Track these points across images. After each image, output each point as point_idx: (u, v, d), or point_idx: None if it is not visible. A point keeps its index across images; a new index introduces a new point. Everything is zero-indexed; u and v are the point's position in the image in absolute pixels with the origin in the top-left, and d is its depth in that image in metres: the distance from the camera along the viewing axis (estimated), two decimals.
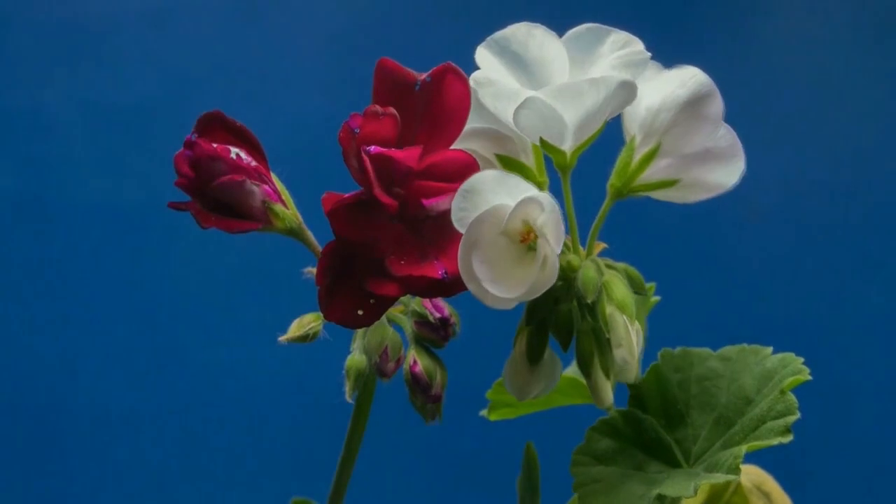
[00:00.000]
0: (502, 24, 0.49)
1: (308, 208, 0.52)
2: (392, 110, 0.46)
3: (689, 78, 0.49)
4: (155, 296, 1.29)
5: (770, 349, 0.54)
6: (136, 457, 1.27)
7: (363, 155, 0.45)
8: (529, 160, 0.50)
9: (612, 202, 0.51)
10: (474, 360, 0.64)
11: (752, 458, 0.55)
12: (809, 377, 0.51)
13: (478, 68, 0.48)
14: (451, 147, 0.48)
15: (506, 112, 0.47)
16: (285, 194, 0.51)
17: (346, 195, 0.46)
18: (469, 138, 0.50)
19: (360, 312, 0.47)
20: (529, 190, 0.45)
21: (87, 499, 1.27)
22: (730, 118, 0.49)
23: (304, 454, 1.24)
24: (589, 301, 0.48)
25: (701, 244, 1.30)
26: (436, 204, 0.46)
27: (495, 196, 0.45)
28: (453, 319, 0.52)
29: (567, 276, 0.48)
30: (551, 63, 0.49)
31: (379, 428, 0.63)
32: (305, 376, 1.23)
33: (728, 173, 0.50)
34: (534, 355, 0.50)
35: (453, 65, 0.48)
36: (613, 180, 0.50)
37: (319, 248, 0.50)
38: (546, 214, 0.45)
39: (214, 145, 0.49)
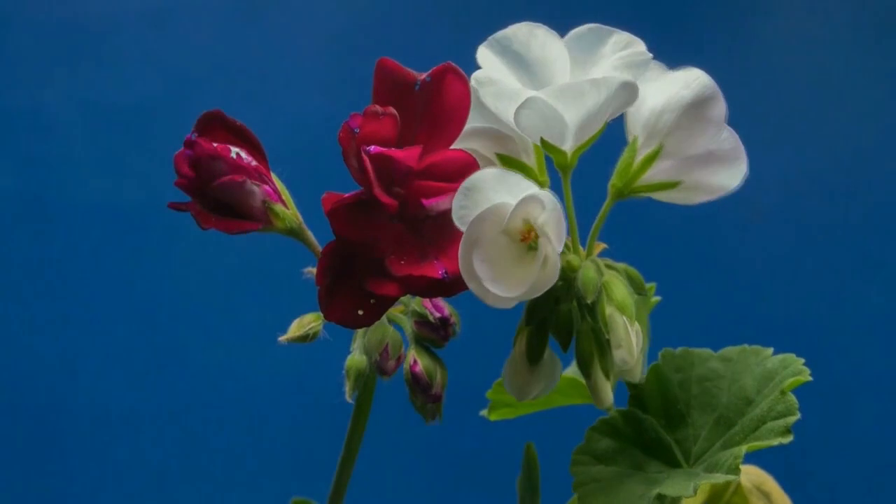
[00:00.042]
0: (502, 25, 0.49)
1: (308, 208, 0.52)
2: (392, 110, 0.46)
3: (692, 80, 0.49)
4: (155, 296, 1.29)
5: (771, 350, 0.54)
6: (136, 457, 1.27)
7: (363, 155, 0.45)
8: (531, 160, 0.50)
9: (613, 202, 0.51)
10: (474, 360, 0.64)
11: (753, 458, 0.55)
12: (810, 378, 0.51)
13: (478, 68, 0.48)
14: (452, 147, 0.48)
15: (507, 112, 0.47)
16: (285, 194, 0.51)
17: (346, 195, 0.46)
18: (470, 137, 0.50)
19: (360, 312, 0.47)
20: (530, 188, 0.45)
21: (87, 499, 1.27)
22: (730, 118, 0.49)
23: (304, 454, 1.24)
24: (589, 302, 0.48)
25: (701, 244, 1.29)
26: (436, 204, 0.46)
27: (496, 194, 0.45)
28: (453, 319, 0.52)
29: (567, 276, 0.48)
30: (553, 63, 0.49)
31: (379, 428, 0.63)
32: (305, 376, 1.23)
33: (730, 176, 0.50)
34: (534, 355, 0.50)
35: (453, 65, 0.48)
36: (615, 181, 0.50)
37: (319, 248, 0.50)
38: (547, 213, 0.45)
39: (215, 144, 0.49)
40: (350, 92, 1.11)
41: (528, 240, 0.46)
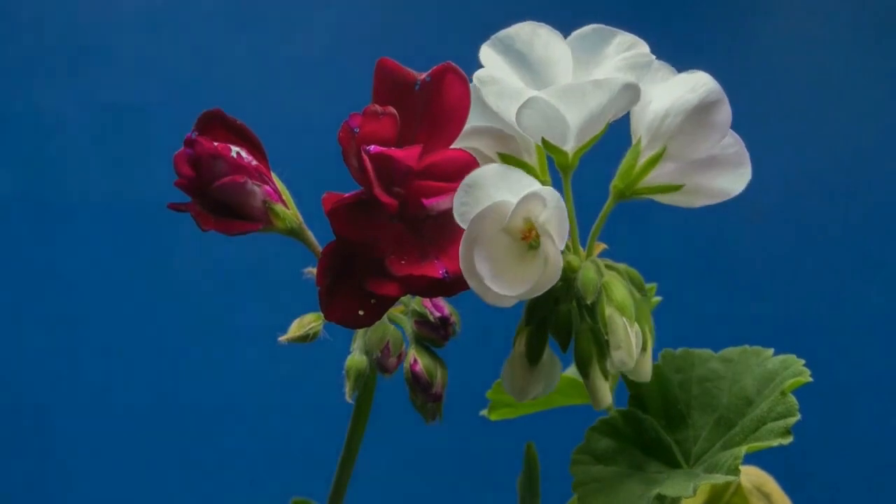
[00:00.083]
0: (502, 25, 0.49)
1: (308, 208, 0.52)
2: (392, 110, 0.46)
3: (699, 84, 0.49)
4: (155, 295, 1.29)
5: (771, 351, 0.54)
6: (136, 456, 1.27)
7: (363, 154, 0.45)
8: (532, 159, 0.50)
9: (614, 203, 0.50)
10: (475, 360, 0.64)
11: (753, 458, 0.55)
12: (810, 379, 0.51)
13: (480, 66, 0.48)
14: (452, 146, 0.47)
15: (509, 111, 0.47)
16: (286, 194, 0.51)
17: (347, 195, 0.46)
18: (472, 136, 0.50)
19: (360, 312, 0.46)
20: (532, 185, 0.45)
21: (87, 498, 1.27)
22: (731, 119, 0.49)
23: (304, 454, 1.23)
24: (588, 302, 0.47)
25: (702, 244, 1.29)
26: (436, 203, 0.46)
27: (497, 191, 0.45)
28: (453, 318, 0.52)
29: (567, 276, 0.48)
30: (556, 63, 0.49)
31: (379, 428, 0.62)
32: (305, 376, 1.22)
33: (733, 181, 0.50)
34: (533, 356, 0.50)
35: (453, 64, 0.48)
36: (617, 182, 0.50)
37: (320, 249, 0.50)
38: (549, 210, 0.44)
39: (215, 143, 0.49)
40: (350, 92, 1.11)
41: (529, 238, 0.45)
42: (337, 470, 0.58)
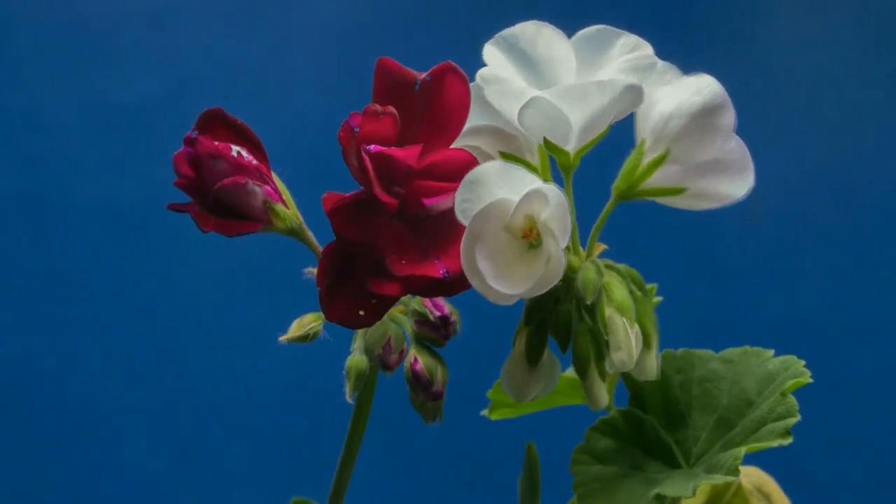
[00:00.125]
0: (503, 25, 0.49)
1: (308, 208, 0.52)
2: (392, 109, 0.46)
3: (704, 87, 0.48)
4: (155, 296, 1.29)
5: (772, 352, 0.54)
6: (136, 457, 1.27)
7: (363, 154, 0.45)
8: (534, 159, 0.50)
9: (615, 204, 0.50)
10: (475, 360, 0.63)
11: (753, 459, 0.55)
12: (811, 380, 0.51)
13: (481, 66, 0.48)
14: (454, 144, 0.47)
15: (511, 110, 0.47)
16: (286, 194, 0.51)
17: (347, 195, 0.46)
18: (473, 135, 0.50)
19: (361, 313, 0.46)
20: (534, 182, 0.45)
21: (86, 499, 1.27)
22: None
23: (304, 454, 1.23)
24: (588, 303, 0.47)
25: (702, 245, 1.29)
26: (436, 203, 0.46)
27: (499, 189, 0.44)
28: (453, 318, 0.52)
29: (567, 276, 0.48)
30: (559, 63, 0.49)
31: (379, 428, 0.62)
32: (305, 376, 1.22)
33: (736, 185, 0.50)
34: (533, 356, 0.50)
35: (453, 64, 0.48)
36: (619, 183, 0.50)
37: (320, 249, 0.50)
38: (552, 207, 0.44)
39: (216, 143, 0.49)
40: (350, 92, 1.11)
41: (530, 237, 0.45)
42: (337, 470, 0.58)
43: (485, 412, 0.64)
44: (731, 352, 0.56)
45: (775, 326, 1.26)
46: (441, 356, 0.53)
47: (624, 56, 0.48)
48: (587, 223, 0.50)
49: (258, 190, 0.49)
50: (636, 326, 0.48)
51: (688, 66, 0.50)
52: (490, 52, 0.49)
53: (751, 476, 0.61)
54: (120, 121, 1.30)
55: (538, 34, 0.49)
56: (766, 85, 1.32)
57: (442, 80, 0.47)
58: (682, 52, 0.52)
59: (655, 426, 0.54)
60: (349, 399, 0.52)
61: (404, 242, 0.46)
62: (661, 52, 0.49)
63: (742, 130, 0.49)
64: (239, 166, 0.49)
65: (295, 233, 0.51)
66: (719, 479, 0.49)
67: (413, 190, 0.46)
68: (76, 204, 1.29)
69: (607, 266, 0.49)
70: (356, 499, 0.61)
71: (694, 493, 0.49)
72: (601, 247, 0.51)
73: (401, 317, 0.53)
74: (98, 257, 1.29)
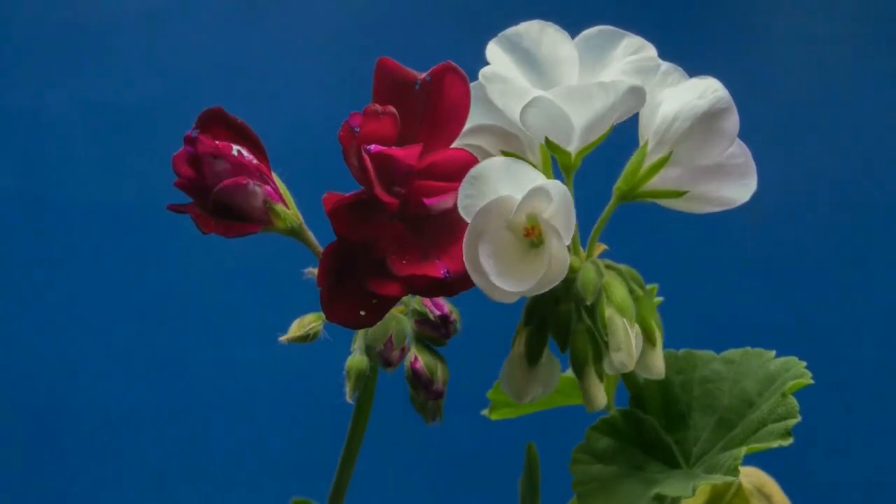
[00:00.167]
0: (503, 25, 0.49)
1: (308, 208, 0.52)
2: (392, 109, 0.46)
3: (708, 90, 0.48)
4: (155, 296, 1.29)
5: (773, 353, 0.54)
6: (137, 457, 1.27)
7: (363, 154, 0.45)
8: (536, 158, 0.50)
9: (616, 205, 0.50)
10: (475, 360, 0.63)
11: (754, 460, 0.55)
12: (811, 381, 0.51)
13: (482, 66, 0.48)
14: (455, 143, 0.47)
15: (513, 110, 0.47)
16: (286, 194, 0.51)
17: (347, 195, 0.46)
18: (475, 134, 0.50)
19: (362, 313, 0.46)
20: (537, 179, 0.44)
21: (87, 499, 1.27)
22: None
23: (304, 454, 1.23)
24: (588, 303, 0.47)
25: (702, 245, 1.29)
26: (437, 203, 0.46)
27: (503, 185, 0.44)
28: (453, 317, 0.52)
29: (567, 277, 0.48)
30: (562, 63, 0.48)
31: (379, 428, 0.62)
32: (305, 376, 1.22)
33: (738, 191, 0.50)
34: (532, 356, 0.50)
35: (453, 64, 0.47)
36: (620, 184, 0.50)
37: (320, 249, 0.50)
38: (555, 204, 0.44)
39: (216, 142, 0.49)
40: (350, 92, 1.11)
41: (532, 236, 0.45)
42: (337, 470, 0.58)
43: (485, 412, 0.64)
44: (732, 352, 0.56)
45: (776, 327, 1.26)
46: (441, 355, 0.53)
47: (627, 57, 0.48)
48: (588, 223, 0.50)
49: (259, 190, 0.49)
50: (636, 327, 0.48)
51: (689, 66, 0.50)
52: (493, 50, 0.48)
53: (751, 476, 0.61)
54: (120, 121, 1.30)
55: (542, 34, 0.49)
56: (767, 84, 1.32)
57: (442, 79, 0.47)
58: (682, 51, 0.52)
59: (656, 426, 0.54)
60: (349, 399, 0.52)
61: (405, 242, 0.46)
62: (661, 52, 0.49)
63: (742, 130, 0.49)
64: (240, 165, 0.49)
65: (295, 233, 0.51)
66: (719, 479, 0.49)
67: (413, 190, 0.46)
68: (76, 204, 1.29)
69: (607, 266, 0.49)
70: (356, 499, 0.61)
71: (694, 493, 0.49)
72: (601, 247, 0.51)
73: (401, 317, 0.53)
74: (98, 257, 1.29)
